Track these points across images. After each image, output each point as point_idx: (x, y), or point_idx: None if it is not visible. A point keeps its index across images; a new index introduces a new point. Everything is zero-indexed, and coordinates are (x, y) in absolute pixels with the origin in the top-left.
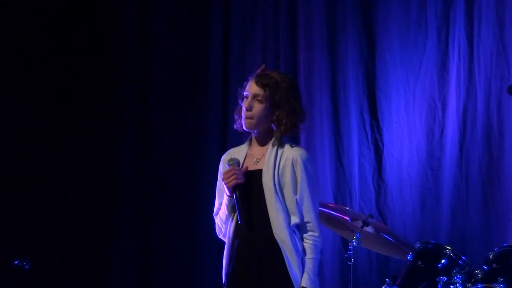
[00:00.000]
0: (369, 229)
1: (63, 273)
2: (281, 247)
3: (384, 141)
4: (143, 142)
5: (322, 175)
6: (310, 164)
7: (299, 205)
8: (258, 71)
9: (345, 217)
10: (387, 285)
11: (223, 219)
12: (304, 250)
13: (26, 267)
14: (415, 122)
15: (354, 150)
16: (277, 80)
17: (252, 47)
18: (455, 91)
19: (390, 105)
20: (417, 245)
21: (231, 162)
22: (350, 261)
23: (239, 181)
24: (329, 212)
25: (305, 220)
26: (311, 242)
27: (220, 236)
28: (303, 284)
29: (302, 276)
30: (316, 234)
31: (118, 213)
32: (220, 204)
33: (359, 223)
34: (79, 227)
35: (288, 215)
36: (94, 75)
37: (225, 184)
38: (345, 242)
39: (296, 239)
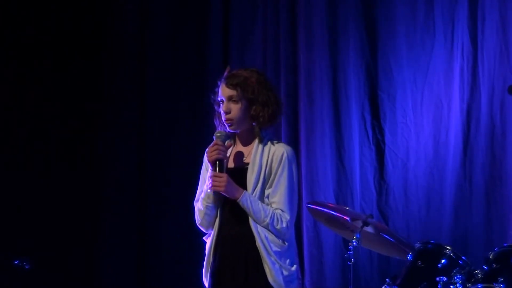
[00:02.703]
0: (369, 229)
1: (60, 273)
2: (261, 244)
3: (386, 141)
4: (142, 142)
5: (323, 175)
6: (294, 162)
7: (269, 196)
8: (225, 73)
9: (345, 217)
10: (387, 285)
11: (202, 206)
12: (282, 244)
13: (26, 267)
14: (422, 122)
15: (355, 150)
16: (246, 77)
17: (252, 47)
18: (459, 91)
19: (394, 105)
20: (417, 245)
21: (218, 135)
22: (351, 261)
23: (220, 156)
24: (329, 212)
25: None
26: (280, 214)
27: (198, 225)
28: (245, 191)
29: (278, 275)
30: (283, 225)
31: (116, 211)
32: (201, 193)
33: (359, 223)
34: (76, 225)
35: None
36: (93, 76)
37: (207, 157)
38: (346, 242)
39: (274, 238)
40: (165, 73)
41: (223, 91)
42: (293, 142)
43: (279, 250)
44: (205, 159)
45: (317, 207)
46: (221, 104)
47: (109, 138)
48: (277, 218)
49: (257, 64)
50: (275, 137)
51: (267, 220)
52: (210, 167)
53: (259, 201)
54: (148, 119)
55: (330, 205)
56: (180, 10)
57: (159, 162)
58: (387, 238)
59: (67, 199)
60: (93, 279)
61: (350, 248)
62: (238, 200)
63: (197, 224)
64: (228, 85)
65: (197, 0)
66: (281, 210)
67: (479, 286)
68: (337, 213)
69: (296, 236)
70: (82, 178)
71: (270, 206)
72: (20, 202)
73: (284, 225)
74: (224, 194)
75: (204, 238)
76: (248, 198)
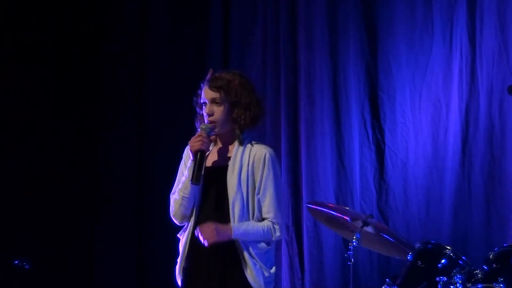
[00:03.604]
0: (369, 229)
1: (60, 273)
2: (240, 244)
3: (386, 141)
4: (142, 142)
5: (323, 175)
6: (277, 162)
7: (259, 201)
8: (208, 76)
9: (345, 217)
10: (387, 285)
11: (178, 196)
12: (263, 245)
13: (26, 267)
14: (421, 122)
15: (355, 150)
16: (228, 79)
17: (252, 47)
18: (458, 91)
19: (393, 105)
20: (417, 245)
21: (203, 127)
22: (351, 261)
23: (202, 147)
24: (329, 212)
25: (267, 216)
26: (271, 224)
27: (172, 216)
28: (232, 225)
29: (259, 276)
30: (278, 233)
31: (116, 212)
32: (178, 185)
33: (359, 223)
34: (76, 225)
35: (248, 212)
36: (93, 76)
37: (190, 148)
38: (346, 242)
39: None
40: (165, 73)
41: (206, 94)
42: (294, 142)
43: (259, 252)
44: (185, 152)
45: (317, 207)
46: (203, 106)
47: (109, 138)
48: (272, 229)
49: (257, 64)
50: (255, 138)
51: (266, 236)
52: (191, 158)
53: (249, 223)
54: (148, 119)
55: (330, 205)
56: (180, 10)
57: (158, 162)
58: (387, 238)
59: (67, 199)
60: (93, 279)
61: (350, 248)
62: (232, 237)
63: (171, 215)
64: (211, 88)
65: (197, 0)
66: (273, 217)
67: (479, 286)
68: (337, 213)
69: (296, 236)
70: (82, 178)
71: (261, 213)
72: (20, 202)
73: (278, 233)
74: (218, 241)
75: (178, 235)
76: (240, 230)
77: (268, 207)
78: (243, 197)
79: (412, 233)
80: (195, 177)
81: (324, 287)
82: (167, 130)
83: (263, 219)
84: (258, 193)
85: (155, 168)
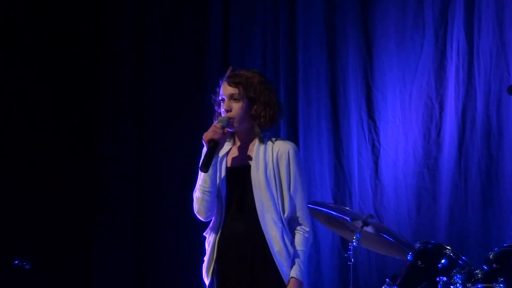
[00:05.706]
0: (369, 229)
1: (59, 273)
2: (270, 243)
3: (380, 141)
4: (142, 142)
5: (321, 175)
6: (300, 155)
7: (292, 198)
8: (227, 73)
9: (345, 217)
10: (387, 285)
11: (200, 193)
12: (293, 244)
13: (26, 267)
14: (411, 122)
15: (353, 150)
16: (248, 76)
17: (252, 47)
18: (454, 91)
19: (386, 104)
20: (417, 245)
21: (220, 118)
22: (350, 261)
23: (214, 136)
24: (329, 212)
25: (297, 214)
26: (302, 234)
27: (196, 213)
28: (292, 275)
29: (291, 268)
30: (307, 228)
31: (115, 211)
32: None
33: (359, 223)
34: (76, 225)
35: (278, 210)
36: (93, 76)
37: (203, 138)
38: (344, 242)
39: (286, 234)
40: (165, 73)
41: (224, 89)
42: (292, 142)
43: (290, 243)
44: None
45: (317, 207)
46: (221, 103)
47: (109, 138)
48: (303, 238)
49: (256, 64)
50: (273, 135)
51: (309, 246)
52: (205, 147)
53: (296, 261)
54: (148, 119)
55: (330, 205)
56: (180, 10)
57: (158, 162)
58: (387, 238)
59: (67, 199)
60: (93, 279)
61: (350, 248)
62: (302, 279)
63: (195, 212)
64: (230, 83)
65: (197, 0)
66: (302, 213)
67: (479, 286)
68: (337, 213)
69: None
70: (82, 178)
71: (293, 209)
72: (20, 202)
73: (310, 234)
74: None
75: (204, 233)
76: (300, 271)
77: (301, 205)
78: (273, 195)
79: (409, 234)
80: (204, 164)
81: (322, 287)
82: (167, 130)
83: (293, 218)
84: (289, 189)
85: (155, 168)
